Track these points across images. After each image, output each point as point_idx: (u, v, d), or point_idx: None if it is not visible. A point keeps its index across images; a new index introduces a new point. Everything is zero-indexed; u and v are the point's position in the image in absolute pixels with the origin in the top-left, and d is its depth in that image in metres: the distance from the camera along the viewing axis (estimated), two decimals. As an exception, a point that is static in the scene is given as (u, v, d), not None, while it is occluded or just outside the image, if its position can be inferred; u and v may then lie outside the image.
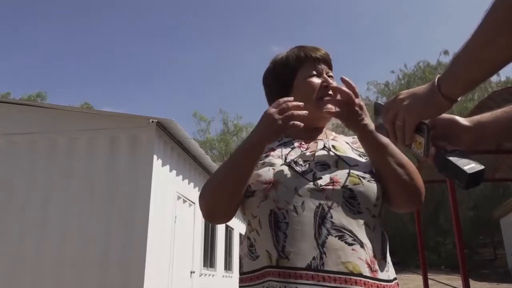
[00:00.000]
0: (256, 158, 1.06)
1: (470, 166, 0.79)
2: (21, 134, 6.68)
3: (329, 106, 1.16)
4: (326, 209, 1.00)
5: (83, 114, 7.24)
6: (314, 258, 0.95)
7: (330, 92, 1.19)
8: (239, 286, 1.09)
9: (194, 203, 8.13)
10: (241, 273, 1.10)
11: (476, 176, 0.78)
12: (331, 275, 0.94)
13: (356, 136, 1.26)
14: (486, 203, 23.18)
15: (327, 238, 0.97)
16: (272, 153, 1.15)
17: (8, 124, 6.80)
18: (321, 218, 0.99)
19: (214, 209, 1.10)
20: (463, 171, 0.78)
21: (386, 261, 1.04)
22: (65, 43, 55.89)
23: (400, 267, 19.03)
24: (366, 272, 0.96)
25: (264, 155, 1.14)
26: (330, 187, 1.03)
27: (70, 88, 56.25)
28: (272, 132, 1.05)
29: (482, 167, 0.79)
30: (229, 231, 11.41)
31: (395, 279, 1.06)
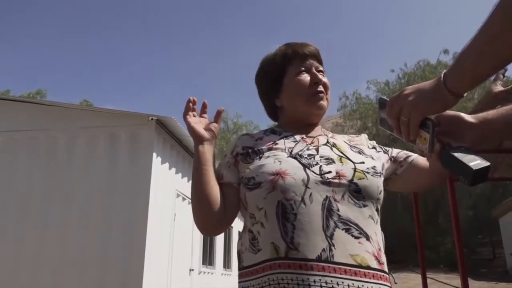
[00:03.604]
0: (202, 165, 1.17)
1: (475, 162, 0.78)
2: (21, 131, 6.68)
3: (321, 103, 1.20)
4: (333, 202, 1.01)
5: (83, 112, 7.24)
6: (323, 250, 0.96)
7: (320, 88, 1.21)
8: (239, 282, 1.08)
9: (193, 201, 8.12)
10: (240, 268, 1.09)
11: (481, 173, 0.77)
12: (341, 266, 0.95)
13: (350, 135, 1.31)
14: (485, 202, 23.21)
15: (334, 230, 0.98)
16: (274, 146, 1.15)
17: (8, 121, 6.80)
18: (328, 210, 1.00)
19: (200, 223, 1.14)
20: (469, 167, 0.78)
21: (384, 254, 1.06)
22: (65, 41, 55.78)
23: (399, 266, 19.05)
24: (374, 264, 0.98)
25: (266, 147, 1.15)
26: (336, 180, 1.04)
27: (70, 86, 56.21)
28: (191, 135, 1.22)
29: (488, 163, 0.78)
30: (228, 229, 11.42)
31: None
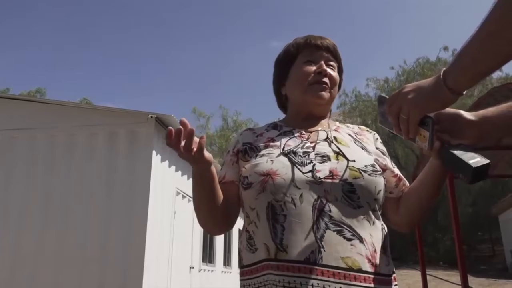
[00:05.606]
0: (204, 184, 1.08)
1: (475, 160, 0.78)
2: (20, 129, 6.68)
3: (321, 92, 1.15)
4: (325, 202, 0.98)
5: (82, 110, 7.23)
6: (312, 252, 0.93)
7: (325, 79, 1.16)
8: (240, 280, 1.07)
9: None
10: (241, 267, 1.08)
11: (481, 170, 0.77)
12: (330, 269, 0.92)
13: (361, 127, 1.26)
14: (485, 199, 23.21)
15: (325, 232, 0.95)
16: (271, 143, 1.12)
17: (7, 119, 6.80)
18: (320, 211, 0.97)
19: (205, 226, 1.15)
20: (468, 165, 0.77)
21: (387, 255, 1.02)
22: (65, 39, 55.72)
23: (398, 263, 19.08)
24: (367, 267, 0.94)
25: (263, 145, 1.12)
26: (329, 180, 1.00)
27: (69, 84, 56.20)
28: (191, 163, 1.05)
29: (488, 161, 0.78)
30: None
31: (393, 273, 1.05)
